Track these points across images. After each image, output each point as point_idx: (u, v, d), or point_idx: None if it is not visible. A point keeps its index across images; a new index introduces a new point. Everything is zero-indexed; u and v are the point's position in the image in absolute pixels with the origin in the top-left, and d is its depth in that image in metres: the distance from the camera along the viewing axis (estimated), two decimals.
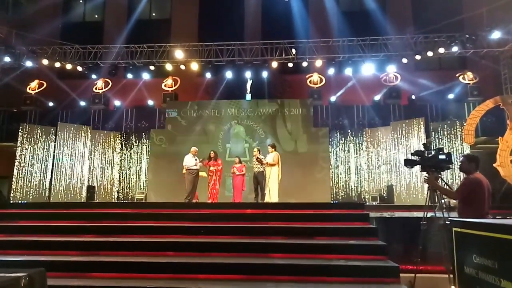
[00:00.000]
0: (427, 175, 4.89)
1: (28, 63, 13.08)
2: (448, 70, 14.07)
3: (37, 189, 11.88)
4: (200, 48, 13.05)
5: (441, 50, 11.93)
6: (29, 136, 12.00)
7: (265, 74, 13.36)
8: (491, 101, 10.04)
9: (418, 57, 12.24)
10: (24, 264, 5.18)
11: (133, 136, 13.18)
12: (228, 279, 4.98)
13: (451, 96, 13.25)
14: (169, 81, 14.03)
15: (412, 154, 5.15)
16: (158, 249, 5.78)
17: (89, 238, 6.17)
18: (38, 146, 12.08)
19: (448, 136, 11.38)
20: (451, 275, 3.45)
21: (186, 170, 9.37)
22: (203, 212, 7.21)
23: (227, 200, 10.70)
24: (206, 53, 12.97)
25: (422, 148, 5.09)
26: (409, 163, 5.12)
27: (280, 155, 9.48)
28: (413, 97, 13.44)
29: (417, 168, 5.09)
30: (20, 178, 11.72)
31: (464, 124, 10.39)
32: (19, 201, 11.34)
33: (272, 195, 8.93)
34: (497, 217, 6.25)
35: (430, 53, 12.08)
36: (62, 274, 5.06)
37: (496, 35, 11.54)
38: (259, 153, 9.49)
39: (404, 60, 12.38)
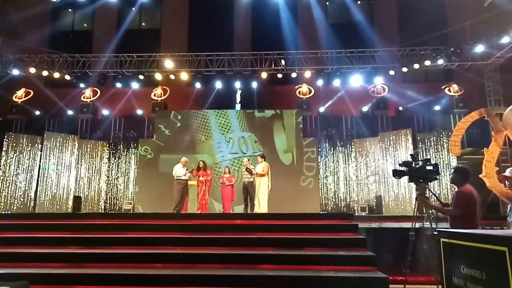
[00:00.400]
0: (417, 192, 4.88)
1: (15, 71, 12.90)
2: (434, 82, 14.34)
3: (22, 199, 11.63)
4: (190, 58, 13.08)
5: (427, 62, 12.19)
6: (14, 145, 11.80)
7: (254, 84, 13.44)
8: (476, 113, 10.20)
9: (404, 69, 12.49)
10: (6, 277, 5.02)
11: (121, 146, 13.05)
12: None
13: (437, 107, 13.48)
14: (158, 90, 13.97)
15: (400, 164, 5.20)
16: (145, 260, 5.68)
17: (74, 250, 6.04)
18: (24, 156, 11.87)
19: (435, 147, 11.55)
20: (440, 286, 3.46)
21: (175, 179, 9.30)
22: (192, 222, 7.14)
23: (215, 211, 10.65)
24: (196, 63, 13.00)
25: (409, 159, 5.14)
26: (397, 174, 5.15)
27: (269, 165, 9.48)
28: (400, 108, 13.64)
29: (405, 178, 5.14)
30: (4, 188, 11.47)
31: (451, 135, 10.56)
32: (3, 212, 11.07)
33: (261, 205, 8.89)
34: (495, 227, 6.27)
35: (416, 66, 12.32)
36: (46, 287, 4.93)
37: (479, 48, 11.85)
38: (249, 163, 9.49)
39: (391, 72, 12.60)
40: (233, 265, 5.56)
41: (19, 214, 10.52)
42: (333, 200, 12.38)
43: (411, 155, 5.44)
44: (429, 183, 4.97)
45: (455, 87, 13.28)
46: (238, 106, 12.81)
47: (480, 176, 9.66)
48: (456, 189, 4.46)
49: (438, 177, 5.03)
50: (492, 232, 2.44)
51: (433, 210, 4.96)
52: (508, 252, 2.02)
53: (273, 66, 12.79)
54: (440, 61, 12.26)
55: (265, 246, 6.01)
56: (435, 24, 14.09)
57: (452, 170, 4.68)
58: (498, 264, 2.09)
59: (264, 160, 9.32)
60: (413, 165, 5.02)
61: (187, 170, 9.46)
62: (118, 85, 13.84)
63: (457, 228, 4.00)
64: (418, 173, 4.93)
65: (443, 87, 13.45)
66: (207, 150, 12.22)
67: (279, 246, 6.00)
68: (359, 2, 15.70)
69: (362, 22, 14.48)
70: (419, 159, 5.11)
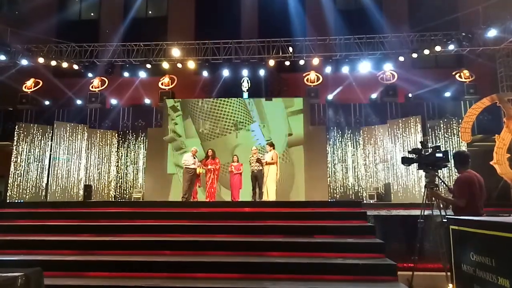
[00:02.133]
0: (427, 180, 4.82)
1: (24, 62, 13.00)
2: (444, 68, 14.09)
3: (34, 188, 11.81)
4: (197, 46, 13.03)
5: (438, 48, 11.96)
6: (25, 135, 11.93)
7: (262, 72, 13.35)
8: (487, 99, 10.07)
9: (414, 55, 12.29)
10: (20, 263, 5.14)
11: (130, 135, 13.14)
12: (226, 277, 4.97)
13: (447, 94, 13.28)
14: (166, 79, 13.97)
15: (409, 152, 5.15)
16: (155, 248, 5.76)
17: (86, 238, 6.14)
18: (35, 145, 12.00)
19: (445, 134, 11.41)
20: (449, 273, 3.46)
21: (184, 168, 9.36)
22: (201, 210, 7.20)
23: (223, 199, 10.71)
24: (203, 51, 12.94)
25: (419, 146, 5.09)
26: (406, 161, 5.11)
27: (277, 154, 9.47)
28: (410, 95, 13.47)
29: (415, 166, 5.09)
30: (16, 178, 11.65)
31: (461, 122, 10.43)
32: (16, 201, 11.28)
33: (269, 193, 8.92)
34: (505, 215, 6.22)
35: (426, 51, 12.12)
36: (58, 273, 5.03)
37: (492, 33, 11.57)
38: (258, 152, 9.49)
39: (401, 58, 12.42)
40: (242, 252, 5.61)
41: (32, 202, 10.69)
42: (342, 188, 12.36)
43: (420, 142, 5.37)
44: (438, 170, 4.92)
45: (466, 73, 13.06)
46: (245, 95, 12.77)
47: (491, 163, 9.58)
48: None
49: (448, 165, 4.97)
50: (503, 219, 2.41)
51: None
52: None
53: (280, 54, 12.68)
54: (451, 47, 12.03)
55: (273, 233, 6.03)
56: (446, 8, 13.80)
57: None
58: (508, 251, 2.08)
59: (273, 149, 9.31)
60: (423, 152, 4.96)
61: (195, 159, 9.50)
62: (126, 74, 13.89)
63: (459, 214, 3.94)
64: (428, 160, 4.87)
65: (453, 73, 13.24)
66: (214, 139, 12.19)
67: (288, 233, 6.02)
68: None
69: (371, 8, 14.22)
70: (429, 146, 5.06)
